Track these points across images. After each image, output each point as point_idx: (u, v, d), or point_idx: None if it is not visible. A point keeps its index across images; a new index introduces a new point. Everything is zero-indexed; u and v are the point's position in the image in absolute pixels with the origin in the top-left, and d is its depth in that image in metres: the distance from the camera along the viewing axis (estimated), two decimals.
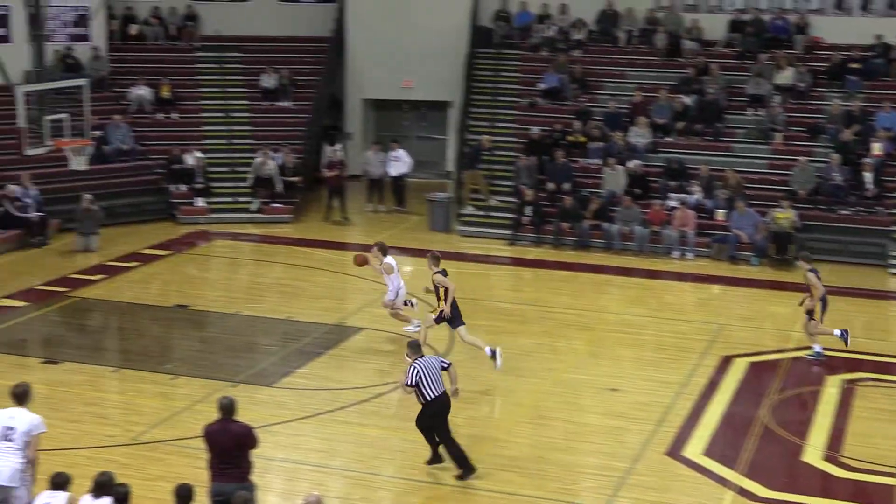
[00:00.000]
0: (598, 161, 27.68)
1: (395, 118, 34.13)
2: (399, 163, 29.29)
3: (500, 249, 25.98)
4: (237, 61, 32.52)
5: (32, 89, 22.20)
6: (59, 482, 10.73)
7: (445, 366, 14.07)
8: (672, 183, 26.76)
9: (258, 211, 27.91)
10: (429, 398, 13.73)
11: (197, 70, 32.20)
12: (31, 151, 22.20)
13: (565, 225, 26.07)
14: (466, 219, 27.47)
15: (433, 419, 13.91)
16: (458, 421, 15.76)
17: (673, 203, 26.10)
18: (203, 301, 21.45)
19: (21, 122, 21.58)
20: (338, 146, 30.44)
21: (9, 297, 21.36)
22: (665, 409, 16.34)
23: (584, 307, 21.77)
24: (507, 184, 28.00)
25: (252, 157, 28.74)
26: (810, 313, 18.51)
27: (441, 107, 33.37)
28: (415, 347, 14.14)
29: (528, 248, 26.07)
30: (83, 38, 30.09)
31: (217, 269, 25.02)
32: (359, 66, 32.93)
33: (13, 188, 25.24)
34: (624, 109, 29.17)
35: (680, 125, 28.40)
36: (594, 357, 18.93)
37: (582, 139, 28.33)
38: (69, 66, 29.29)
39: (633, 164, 27.00)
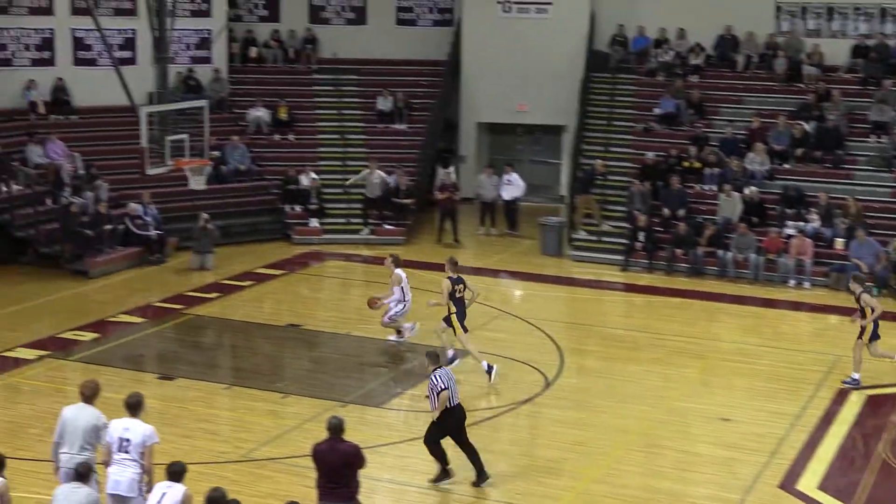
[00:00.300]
0: (713, 187, 27.31)
1: (508, 142, 34.13)
2: (512, 186, 29.25)
3: (613, 275, 25.73)
4: (353, 84, 32.86)
5: (155, 110, 22.67)
6: (176, 471, 10.96)
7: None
8: (789, 210, 26.24)
9: (371, 233, 28.03)
10: (452, 405, 13.91)
11: (314, 92, 32.62)
12: (152, 171, 22.67)
13: (679, 251, 25.74)
14: (579, 244, 27.28)
15: (455, 428, 14.03)
16: (566, 446, 15.68)
17: (790, 231, 25.59)
18: (314, 321, 21.65)
19: (143, 142, 22.04)
20: (451, 169, 30.53)
21: (127, 312, 21.82)
22: (779, 441, 15.97)
23: (696, 335, 21.44)
24: (621, 209, 27.77)
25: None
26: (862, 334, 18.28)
27: (555, 131, 33.28)
28: (433, 357, 14.25)
29: (640, 274, 25.80)
30: (205, 60, 30.69)
31: (329, 289, 25.25)
32: (474, 89, 33.03)
33: (134, 206, 25.82)
34: (741, 135, 28.74)
35: (799, 152, 27.85)
36: (706, 386, 18.61)
37: (697, 165, 27.97)
38: (190, 87, 29.93)
39: (750, 190, 26.55)
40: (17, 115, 28.10)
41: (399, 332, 19.73)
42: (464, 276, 18.73)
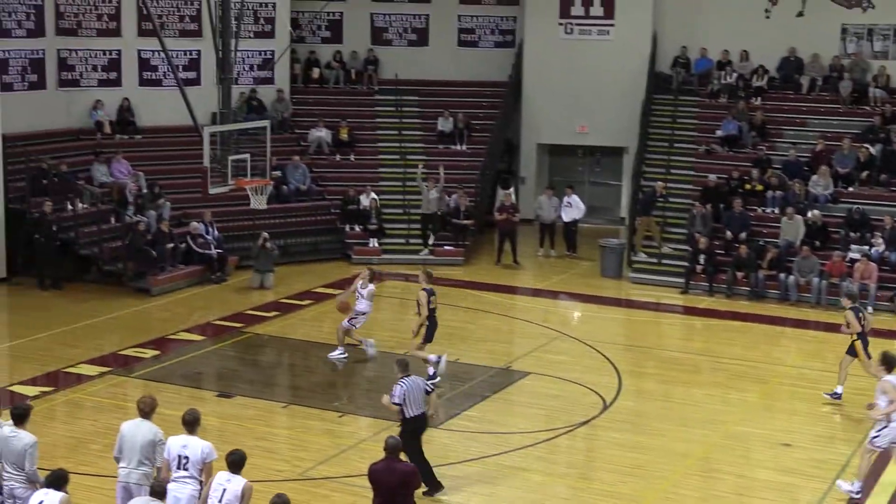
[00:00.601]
0: (775, 210, 27.05)
1: (569, 163, 34.07)
2: (572, 208, 29.16)
3: (672, 297, 25.54)
4: (414, 104, 33.00)
5: (218, 130, 22.87)
6: (235, 461, 11.18)
7: (429, 390, 14.46)
8: (853, 234, 25.91)
9: (430, 253, 28.07)
10: (408, 416, 14.09)
11: (375, 113, 32.80)
12: (214, 190, 22.83)
13: (739, 274, 25.49)
14: (638, 266, 27.13)
15: (411, 436, 14.04)
16: (624, 469, 15.56)
17: (854, 255, 25.25)
18: (374, 340, 21.64)
19: (206, 161, 22.23)
20: (511, 190, 30.52)
21: (187, 330, 22.02)
22: (841, 468, 15.73)
23: (757, 359, 21.21)
24: (681, 231, 27.58)
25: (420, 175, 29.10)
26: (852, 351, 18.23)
27: (616, 152, 33.18)
28: (403, 366, 14.40)
29: (700, 296, 25.58)
30: (268, 80, 30.97)
31: (387, 309, 25.22)
32: (534, 110, 33.04)
33: (196, 225, 26.08)
34: (804, 158, 28.45)
35: (864, 175, 27.51)
36: (767, 410, 18.38)
37: (759, 188, 27.72)
38: (253, 107, 30.20)
39: (813, 214, 26.25)
40: (84, 134, 28.56)
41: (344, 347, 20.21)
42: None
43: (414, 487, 11.75)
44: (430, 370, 18.72)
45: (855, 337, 18.35)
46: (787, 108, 30.69)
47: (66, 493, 10.94)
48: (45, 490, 10.99)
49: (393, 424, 16.61)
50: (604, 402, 18.29)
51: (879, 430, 14.54)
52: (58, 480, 11.01)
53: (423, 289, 18.82)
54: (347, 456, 15.85)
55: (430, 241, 28.12)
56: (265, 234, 25.85)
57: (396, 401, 14.08)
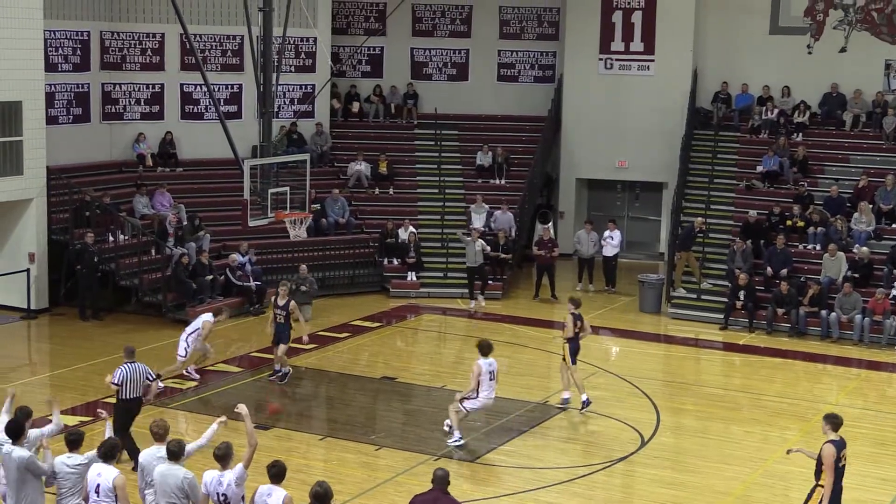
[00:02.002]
0: (817, 246, 26.84)
1: (608, 198, 34.01)
2: (611, 243, 29.07)
3: (712, 333, 25.37)
4: (454, 139, 33.09)
5: (258, 163, 23.02)
6: (277, 472, 11.36)
7: (151, 378, 16.41)
8: None
9: (477, 307, 27.38)
10: (123, 397, 15.77)
11: (414, 147, 32.91)
12: (253, 223, 22.96)
13: (780, 311, 25.28)
14: (678, 301, 26.97)
15: (124, 413, 15.67)
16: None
17: None
18: (409, 374, 21.66)
19: (246, 194, 22.36)
20: (549, 224, 30.46)
21: (225, 362, 22.09)
22: None
23: (798, 396, 20.99)
24: (721, 267, 27.41)
25: (462, 234, 29.05)
26: None
27: (655, 187, 33.10)
28: (129, 353, 16.01)
29: (740, 333, 25.38)
30: (308, 114, 31.18)
31: (425, 342, 25.27)
32: (574, 145, 33.06)
33: (235, 257, 26.21)
34: (847, 194, 28.26)
35: None
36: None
37: (801, 224, 27.54)
38: (293, 141, 30.40)
39: (859, 250, 26.02)
40: (127, 167, 28.85)
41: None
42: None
43: None
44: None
45: None
46: (830, 145, 30.51)
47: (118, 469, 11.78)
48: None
49: (429, 458, 16.64)
50: (642, 438, 18.15)
51: None
52: (111, 451, 11.80)
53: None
54: (384, 489, 15.79)
55: (481, 299, 27.54)
56: (304, 267, 25.88)
57: (115, 381, 15.76)
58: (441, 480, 11.67)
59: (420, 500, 11.65)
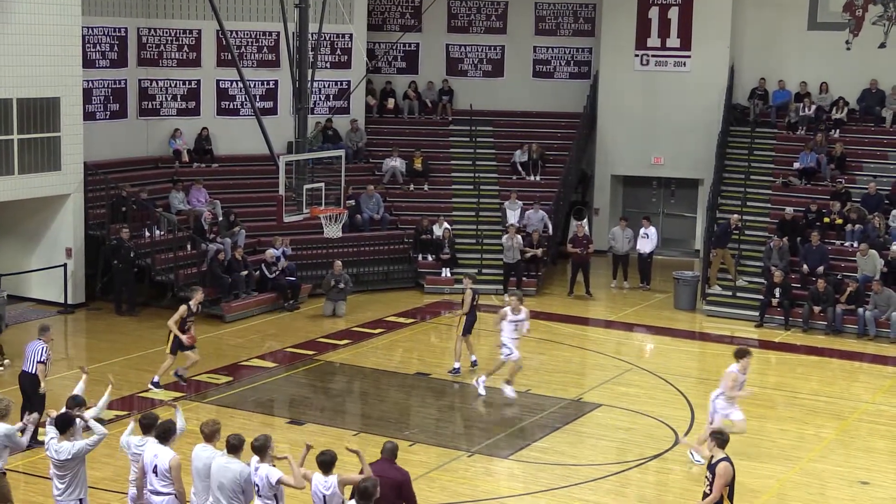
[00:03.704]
0: (854, 244, 26.63)
1: (643, 194, 33.89)
2: (648, 240, 28.95)
3: (747, 331, 25.22)
4: (489, 135, 33.06)
5: (293, 159, 23.07)
6: (325, 460, 11.59)
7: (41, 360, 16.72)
8: None
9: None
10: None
11: (449, 143, 32.91)
12: (288, 218, 23.01)
13: (817, 309, 25.10)
14: (713, 298, 26.82)
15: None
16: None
17: None
18: (443, 370, 21.64)
19: (281, 189, 22.42)
20: (584, 221, 30.38)
21: (260, 357, 22.17)
22: None
23: (834, 394, 20.85)
24: (757, 264, 27.25)
25: (499, 230, 29.05)
26: None
27: (691, 184, 32.95)
28: (43, 329, 17.03)
29: (776, 330, 25.23)
30: (343, 110, 31.24)
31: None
32: (609, 141, 32.96)
33: (271, 252, 26.31)
34: (885, 191, 28.01)
35: None
36: (844, 447, 18.01)
37: (838, 221, 27.32)
38: (328, 137, 30.47)
39: (893, 249, 25.79)
40: (163, 162, 29.02)
41: None
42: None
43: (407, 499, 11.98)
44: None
45: None
46: (868, 141, 30.26)
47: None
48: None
49: (462, 454, 16.63)
50: (676, 435, 18.06)
51: None
52: (166, 433, 12.12)
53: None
54: (417, 485, 15.61)
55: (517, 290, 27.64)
56: (339, 263, 25.97)
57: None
58: (389, 452, 12.05)
59: (372, 468, 11.89)
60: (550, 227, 29.48)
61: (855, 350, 23.82)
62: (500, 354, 19.91)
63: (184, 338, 19.66)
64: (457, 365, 21.06)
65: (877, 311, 24.59)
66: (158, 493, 12.07)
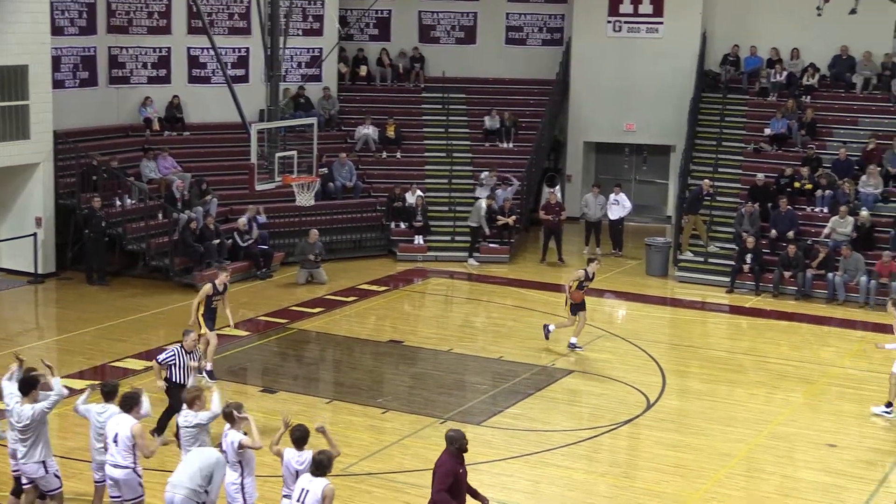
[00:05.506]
0: (824, 209, 26.80)
1: (615, 161, 33.96)
2: (618, 206, 29.03)
3: (718, 297, 25.38)
4: (461, 102, 33.00)
5: (265, 127, 22.97)
6: (298, 436, 11.67)
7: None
8: None
9: (475, 261, 27.93)
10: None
11: (422, 111, 32.84)
12: (261, 187, 22.93)
13: (787, 274, 25.28)
14: (685, 264, 26.96)
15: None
16: (667, 468, 15.46)
17: None
18: (416, 337, 21.72)
19: (253, 158, 22.34)
20: (556, 188, 30.43)
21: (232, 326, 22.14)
22: (888, 469, 15.55)
23: (803, 359, 21.03)
24: (728, 230, 27.39)
25: (471, 198, 29.11)
26: None
27: (663, 151, 33.03)
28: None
29: (746, 296, 25.40)
30: (315, 78, 31.10)
31: (431, 306, 25.31)
32: (581, 108, 32.98)
33: (243, 221, 26.24)
34: (855, 157, 28.16)
35: None
36: (813, 411, 18.19)
37: (809, 186, 27.47)
38: (300, 105, 30.34)
39: (862, 214, 25.96)
40: (134, 131, 28.83)
41: None
42: None
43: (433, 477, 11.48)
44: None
45: None
46: (838, 107, 30.38)
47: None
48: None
49: (435, 421, 16.71)
50: (648, 400, 18.21)
51: None
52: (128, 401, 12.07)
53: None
54: (390, 452, 15.88)
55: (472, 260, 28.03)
56: (315, 231, 25.98)
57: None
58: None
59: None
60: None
61: (824, 315, 24.01)
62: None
63: (228, 316, 18.85)
64: (573, 340, 20.81)
65: (846, 276, 24.78)
66: (117, 466, 12.03)
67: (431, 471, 11.59)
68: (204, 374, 17.95)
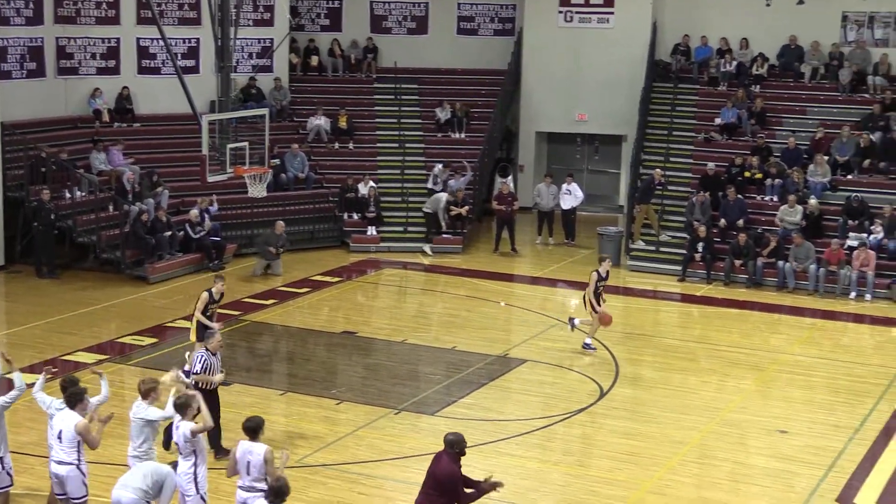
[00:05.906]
0: (774, 198, 27.05)
1: (567, 151, 34.07)
2: (571, 196, 29.13)
3: (670, 285, 25.57)
4: (413, 93, 32.96)
5: (216, 118, 22.83)
6: (251, 426, 11.59)
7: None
8: (852, 222, 25.89)
9: (430, 250, 28.00)
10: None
11: (374, 101, 32.76)
12: (212, 178, 22.79)
13: (738, 262, 25.50)
14: (637, 253, 27.13)
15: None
16: (620, 456, 15.57)
17: (852, 242, 25.25)
18: (370, 328, 21.71)
19: (204, 149, 22.20)
20: (509, 178, 30.49)
21: (185, 318, 21.93)
22: (837, 454, 15.75)
23: (754, 346, 21.23)
24: (680, 219, 27.58)
25: (424, 188, 29.13)
26: None
27: (615, 140, 33.18)
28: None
29: (698, 284, 25.60)
30: (266, 69, 30.92)
31: (385, 297, 25.31)
32: (533, 98, 33.04)
33: (194, 213, 26.07)
34: (804, 146, 28.44)
35: (866, 163, 27.44)
36: (763, 397, 18.39)
37: (759, 175, 27.71)
38: (252, 95, 30.17)
39: (811, 203, 26.23)
40: (83, 122, 28.53)
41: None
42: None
43: (446, 488, 11.37)
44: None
45: None
46: (787, 97, 30.65)
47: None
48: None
49: (389, 412, 16.71)
50: (601, 389, 18.31)
51: None
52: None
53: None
54: (344, 443, 15.86)
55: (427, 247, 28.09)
56: (281, 223, 25.92)
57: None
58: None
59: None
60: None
61: (774, 302, 24.25)
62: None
63: (215, 325, 17.87)
64: (587, 340, 20.49)
65: (796, 264, 25.03)
66: (61, 463, 11.93)
67: (427, 471, 11.56)
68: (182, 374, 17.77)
